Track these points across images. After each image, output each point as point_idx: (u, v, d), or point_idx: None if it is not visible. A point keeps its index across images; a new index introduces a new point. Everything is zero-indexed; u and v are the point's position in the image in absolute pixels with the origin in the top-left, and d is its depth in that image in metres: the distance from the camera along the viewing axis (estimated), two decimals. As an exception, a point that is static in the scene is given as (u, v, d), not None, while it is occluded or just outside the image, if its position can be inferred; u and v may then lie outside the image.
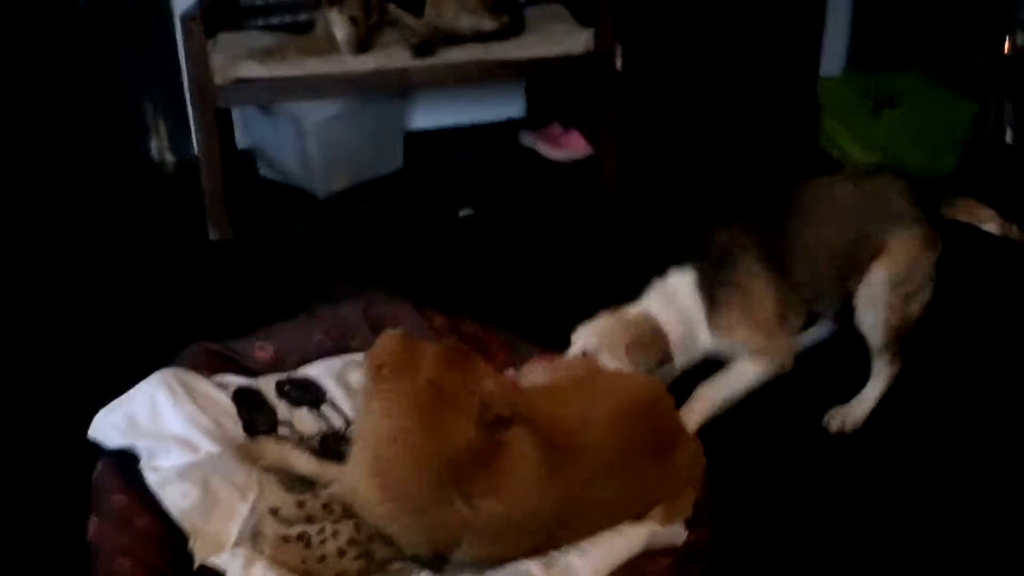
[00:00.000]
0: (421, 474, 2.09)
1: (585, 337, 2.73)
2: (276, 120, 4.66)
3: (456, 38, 4.42)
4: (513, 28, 4.54)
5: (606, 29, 4.38)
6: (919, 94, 4.87)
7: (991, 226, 2.93)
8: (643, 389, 2.43)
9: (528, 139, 5.21)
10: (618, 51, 4.45)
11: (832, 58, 5.74)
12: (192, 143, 4.74)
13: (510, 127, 5.35)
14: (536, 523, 2.14)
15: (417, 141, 5.23)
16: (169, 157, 5.19)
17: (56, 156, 4.90)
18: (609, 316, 2.76)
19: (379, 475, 2.12)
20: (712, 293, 2.77)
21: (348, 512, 2.26)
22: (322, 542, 2.17)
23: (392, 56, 4.34)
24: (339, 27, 4.30)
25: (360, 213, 4.57)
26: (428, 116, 5.40)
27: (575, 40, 4.45)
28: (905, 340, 2.94)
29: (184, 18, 4.15)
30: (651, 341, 2.72)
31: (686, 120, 5.36)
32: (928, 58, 5.11)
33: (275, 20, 4.94)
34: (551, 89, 5.23)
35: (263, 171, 4.93)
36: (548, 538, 2.17)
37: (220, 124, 4.75)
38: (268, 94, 4.33)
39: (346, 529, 2.20)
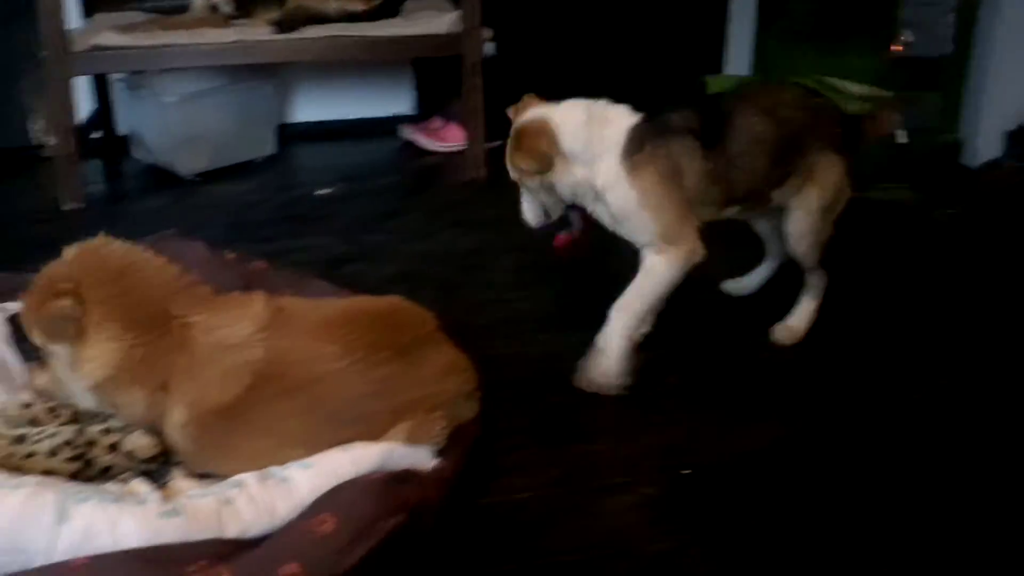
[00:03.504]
0: None
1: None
2: (143, 99, 4.63)
3: (322, 19, 4.39)
4: (384, 11, 4.52)
5: (471, 11, 4.35)
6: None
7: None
8: (377, 301, 2.38)
9: (407, 132, 5.18)
10: (486, 35, 4.41)
11: (737, 64, 5.78)
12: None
13: (396, 123, 5.31)
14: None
15: (297, 132, 5.25)
16: (49, 140, 5.09)
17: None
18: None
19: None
20: (642, 141, 2.71)
21: (75, 419, 2.20)
22: (36, 441, 2.10)
23: (253, 31, 4.30)
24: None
25: (218, 191, 4.50)
26: (312, 109, 5.39)
27: (439, 21, 4.43)
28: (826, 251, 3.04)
29: (42, -15, 4.11)
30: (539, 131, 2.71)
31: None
32: (815, 62, 5.09)
33: (157, 3, 4.89)
34: (438, 85, 5.20)
35: (136, 154, 4.87)
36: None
37: (100, 105, 4.81)
38: (124, 62, 4.29)
39: (66, 433, 2.13)
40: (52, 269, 2.19)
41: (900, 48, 4.87)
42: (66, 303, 2.08)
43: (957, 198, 4.43)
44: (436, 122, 5.13)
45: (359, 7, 4.46)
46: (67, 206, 4.21)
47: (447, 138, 5.04)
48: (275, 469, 2.09)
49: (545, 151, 2.69)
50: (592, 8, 5.46)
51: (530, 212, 2.87)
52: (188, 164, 4.58)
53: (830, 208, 2.95)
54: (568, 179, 2.73)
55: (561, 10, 5.38)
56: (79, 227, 3.94)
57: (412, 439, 2.20)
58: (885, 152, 4.29)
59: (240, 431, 2.12)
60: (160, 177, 4.65)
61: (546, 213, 2.85)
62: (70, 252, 2.21)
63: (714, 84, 5.01)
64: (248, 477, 2.06)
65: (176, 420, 2.12)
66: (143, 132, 4.74)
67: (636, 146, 2.70)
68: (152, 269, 2.24)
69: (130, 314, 2.13)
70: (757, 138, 2.80)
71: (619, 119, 2.75)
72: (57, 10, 4.05)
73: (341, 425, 2.13)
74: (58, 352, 2.16)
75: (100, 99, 4.96)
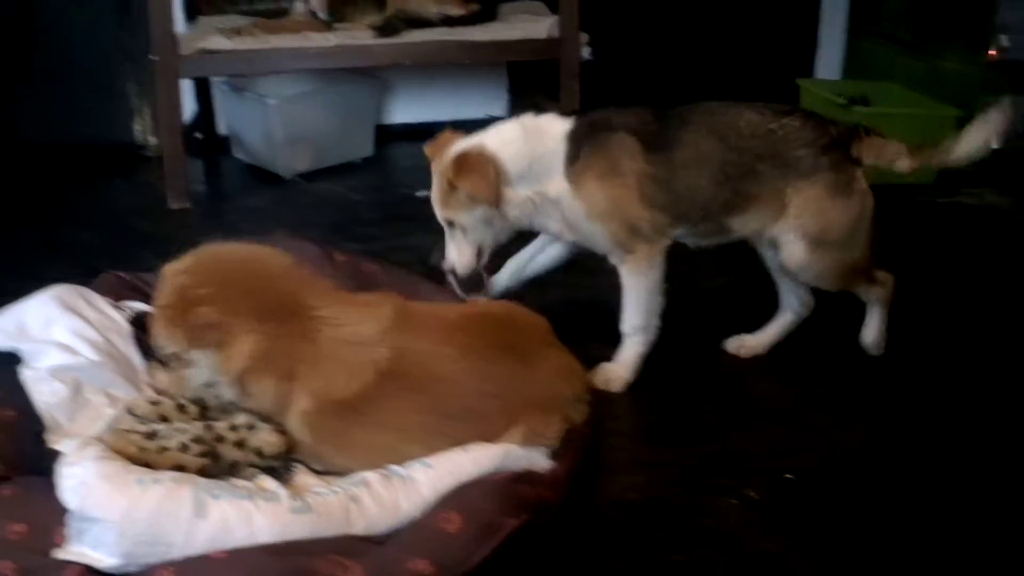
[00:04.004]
0: None
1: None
2: (246, 101, 4.73)
3: (422, 23, 4.47)
4: (482, 16, 4.59)
5: (570, 16, 4.40)
6: (892, 96, 4.84)
7: (902, 163, 2.78)
8: (494, 306, 2.44)
9: (501, 133, 5.21)
10: (584, 40, 4.46)
11: (828, 68, 5.79)
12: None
13: (490, 124, 5.35)
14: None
15: (394, 133, 5.32)
16: (152, 140, 5.24)
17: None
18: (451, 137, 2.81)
19: None
20: (579, 144, 2.71)
21: (204, 416, 2.28)
22: (167, 437, 2.17)
23: (355, 35, 4.39)
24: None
25: (318, 190, 4.59)
26: (408, 111, 5.46)
27: (538, 26, 4.49)
28: (865, 270, 2.92)
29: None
30: (480, 164, 2.70)
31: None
32: (910, 67, 5.08)
33: (257, 7, 5.01)
34: (532, 85, 5.25)
35: (237, 153, 4.99)
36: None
37: (201, 107, 4.92)
38: (231, 66, 4.40)
39: (195, 429, 2.20)
40: (178, 278, 2.24)
41: (996, 53, 4.83)
42: (208, 310, 2.16)
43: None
44: (530, 124, 5.16)
45: (458, 11, 4.53)
46: (174, 205, 4.33)
47: (540, 139, 5.07)
48: (397, 468, 2.15)
49: (493, 179, 2.67)
50: (687, 14, 5.50)
51: (462, 256, 2.82)
52: (289, 164, 4.69)
53: (821, 237, 2.76)
54: (516, 202, 2.73)
55: (656, 16, 5.43)
56: (187, 225, 4.13)
57: (527, 441, 2.26)
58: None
59: (360, 425, 2.20)
60: (261, 177, 4.77)
61: (479, 255, 2.82)
62: (187, 260, 2.26)
63: (806, 87, 5.04)
64: (371, 475, 2.13)
65: (300, 408, 2.19)
66: (245, 133, 4.85)
67: (575, 152, 2.70)
68: (272, 262, 2.31)
69: (261, 305, 2.20)
70: (701, 157, 2.73)
71: (552, 127, 2.75)
72: (167, 14, 4.18)
73: (458, 424, 2.20)
74: (199, 357, 2.23)
75: (201, 100, 5.08)
